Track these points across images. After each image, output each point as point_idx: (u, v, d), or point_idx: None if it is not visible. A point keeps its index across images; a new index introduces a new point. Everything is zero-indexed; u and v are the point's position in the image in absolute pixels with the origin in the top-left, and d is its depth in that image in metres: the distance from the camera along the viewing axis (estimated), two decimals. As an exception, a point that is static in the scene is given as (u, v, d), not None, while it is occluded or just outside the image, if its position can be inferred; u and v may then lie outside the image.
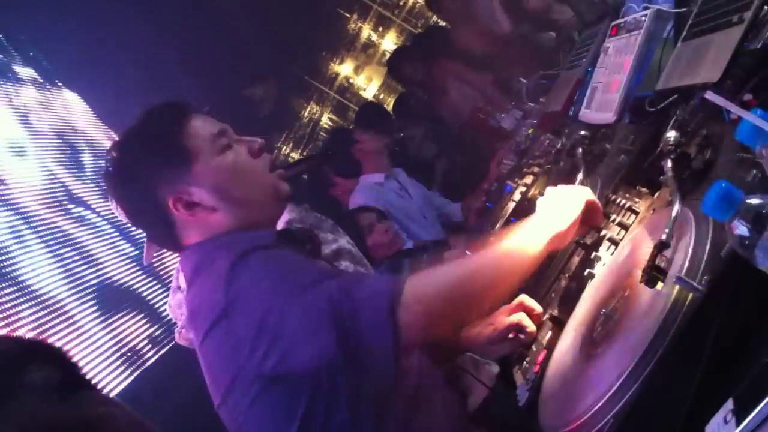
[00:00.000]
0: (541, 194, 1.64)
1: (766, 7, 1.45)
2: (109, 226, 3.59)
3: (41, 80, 3.91)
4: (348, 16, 7.69)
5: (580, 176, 2.06)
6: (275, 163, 1.73)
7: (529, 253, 1.45)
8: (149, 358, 3.34)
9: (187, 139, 1.61)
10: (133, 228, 2.07)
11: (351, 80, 7.95)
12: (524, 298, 1.77)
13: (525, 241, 1.47)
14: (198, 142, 1.61)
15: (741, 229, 0.99)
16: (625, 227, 1.65)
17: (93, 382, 1.45)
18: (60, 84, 4.04)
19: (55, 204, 3.36)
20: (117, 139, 1.77)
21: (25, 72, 3.86)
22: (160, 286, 3.71)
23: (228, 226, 1.61)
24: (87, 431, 1.16)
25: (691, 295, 1.15)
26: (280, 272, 1.47)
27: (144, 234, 1.80)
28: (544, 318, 1.77)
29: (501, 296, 1.60)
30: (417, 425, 1.53)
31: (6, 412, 1.14)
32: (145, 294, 3.61)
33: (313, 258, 1.68)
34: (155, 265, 3.77)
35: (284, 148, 7.83)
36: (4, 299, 2.63)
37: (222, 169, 1.62)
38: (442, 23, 5.72)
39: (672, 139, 1.42)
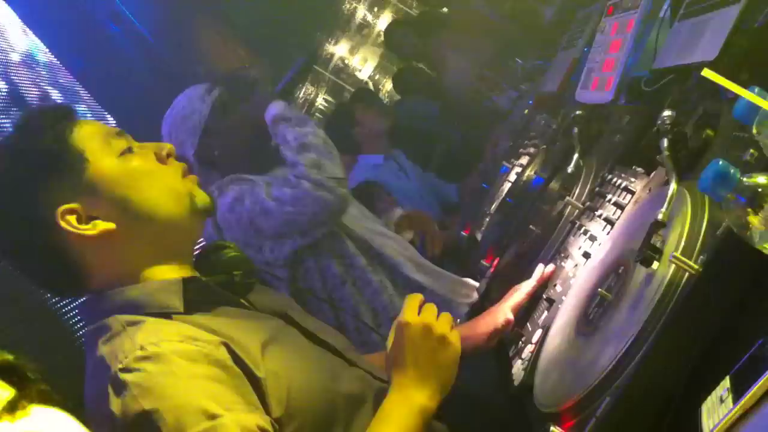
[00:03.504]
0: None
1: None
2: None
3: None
4: (343, -4, 7.64)
5: (575, 156, 2.06)
6: (189, 170, 1.48)
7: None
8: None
9: (74, 141, 1.35)
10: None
11: (346, 61, 7.90)
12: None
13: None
14: (89, 143, 1.36)
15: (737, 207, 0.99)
16: (620, 207, 1.65)
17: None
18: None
19: None
20: None
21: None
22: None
23: (134, 259, 1.37)
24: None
25: (687, 274, 1.15)
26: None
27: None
28: (543, 297, 1.78)
29: None
30: None
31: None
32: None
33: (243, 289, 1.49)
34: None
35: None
36: None
37: (122, 174, 1.36)
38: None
39: (668, 118, 1.41)
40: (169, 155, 1.44)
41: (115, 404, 1.16)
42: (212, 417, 1.12)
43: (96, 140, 1.38)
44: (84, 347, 1.34)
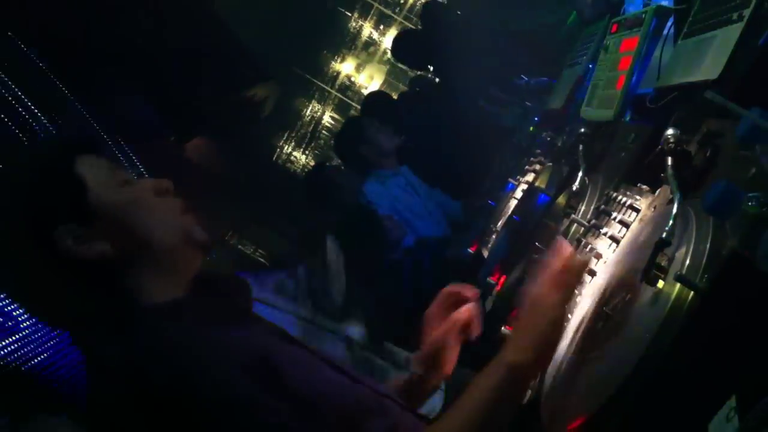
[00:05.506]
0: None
1: (766, 4, 1.45)
2: None
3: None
4: (349, 14, 7.69)
5: (580, 173, 2.06)
6: (187, 207, 1.51)
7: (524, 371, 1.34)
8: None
9: (77, 167, 1.41)
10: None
11: (353, 79, 7.94)
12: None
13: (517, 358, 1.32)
14: (92, 171, 1.41)
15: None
16: (626, 225, 1.65)
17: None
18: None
19: None
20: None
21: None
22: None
23: (143, 278, 1.41)
24: None
25: (692, 293, 1.15)
26: None
27: None
28: None
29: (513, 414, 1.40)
30: None
31: None
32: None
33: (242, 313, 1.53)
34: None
35: (286, 147, 7.84)
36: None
37: (121, 202, 1.41)
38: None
39: (672, 136, 1.42)
40: (167, 191, 1.48)
41: None
42: None
43: (100, 170, 1.42)
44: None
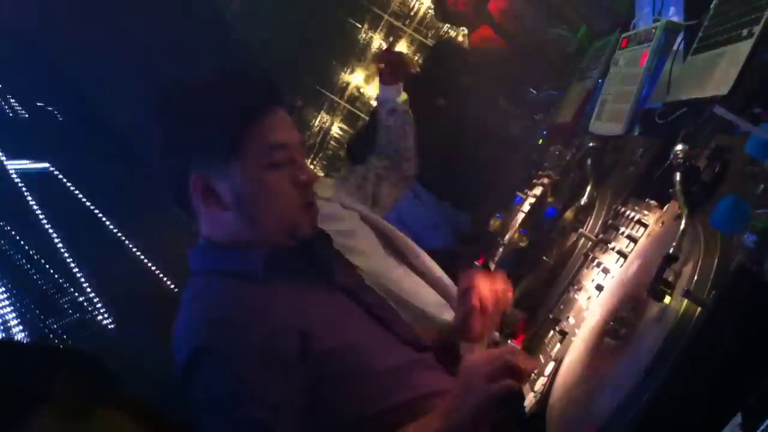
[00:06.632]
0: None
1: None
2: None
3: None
4: (359, 26, 7.72)
5: (589, 187, 2.06)
6: (313, 204, 1.61)
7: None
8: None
9: (249, 134, 1.51)
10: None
11: (361, 90, 7.97)
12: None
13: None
14: (255, 145, 1.51)
15: (748, 243, 1.00)
16: (633, 240, 1.65)
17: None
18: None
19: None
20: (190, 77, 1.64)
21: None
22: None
23: (229, 232, 1.54)
24: None
25: (699, 309, 1.15)
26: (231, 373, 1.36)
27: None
28: (555, 330, 1.77)
29: None
30: None
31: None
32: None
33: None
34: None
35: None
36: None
37: (257, 184, 1.51)
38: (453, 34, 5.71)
39: (681, 152, 1.42)
40: (305, 184, 1.56)
41: None
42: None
43: (263, 144, 1.51)
44: None
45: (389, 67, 2.49)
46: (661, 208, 1.62)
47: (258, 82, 1.57)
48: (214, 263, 1.55)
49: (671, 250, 1.26)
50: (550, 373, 1.63)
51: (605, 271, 1.70)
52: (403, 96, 2.55)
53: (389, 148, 2.61)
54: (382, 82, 2.53)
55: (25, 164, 6.80)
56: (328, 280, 1.61)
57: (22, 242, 5.90)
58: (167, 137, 1.56)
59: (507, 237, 2.95)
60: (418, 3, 7.69)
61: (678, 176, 1.41)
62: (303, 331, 1.41)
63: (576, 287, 1.83)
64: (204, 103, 1.54)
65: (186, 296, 1.52)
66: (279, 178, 1.53)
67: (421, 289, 2.31)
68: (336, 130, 8.03)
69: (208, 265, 1.56)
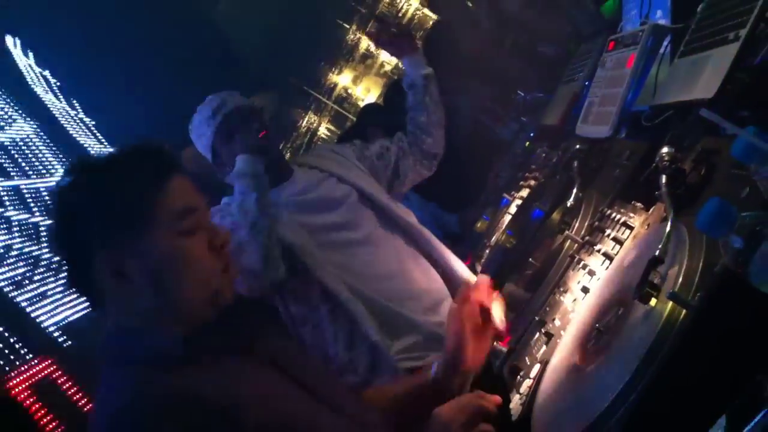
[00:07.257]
0: None
1: (762, 25, 1.46)
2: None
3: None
4: (347, 26, 7.72)
5: (575, 190, 2.06)
6: (232, 266, 1.49)
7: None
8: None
9: (155, 203, 1.39)
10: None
11: (349, 90, 7.97)
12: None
13: None
14: (164, 213, 1.39)
15: (735, 245, 1.00)
16: (619, 242, 1.65)
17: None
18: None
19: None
20: (88, 161, 1.48)
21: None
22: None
23: (145, 311, 1.39)
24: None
25: (684, 311, 1.15)
26: None
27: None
28: (541, 332, 1.77)
29: None
30: None
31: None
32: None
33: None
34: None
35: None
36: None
37: (174, 251, 1.39)
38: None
39: (667, 155, 1.42)
40: (222, 246, 1.45)
41: None
42: None
43: (171, 210, 1.39)
44: None
45: (384, 33, 2.54)
46: (647, 210, 1.62)
47: (154, 153, 1.45)
48: (128, 351, 1.40)
49: (657, 253, 1.26)
50: (536, 375, 1.63)
51: (591, 273, 1.70)
52: (428, 70, 2.59)
53: (411, 124, 2.62)
54: (379, 45, 2.60)
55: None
56: (253, 350, 1.49)
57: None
58: (68, 225, 1.41)
59: (494, 238, 2.95)
60: (406, 4, 7.69)
61: (664, 179, 1.41)
62: (228, 411, 1.30)
63: (562, 289, 1.84)
64: (106, 184, 1.41)
65: (99, 394, 1.38)
66: (196, 242, 1.42)
67: (423, 283, 2.30)
68: (323, 130, 8.02)
69: (123, 354, 1.40)
